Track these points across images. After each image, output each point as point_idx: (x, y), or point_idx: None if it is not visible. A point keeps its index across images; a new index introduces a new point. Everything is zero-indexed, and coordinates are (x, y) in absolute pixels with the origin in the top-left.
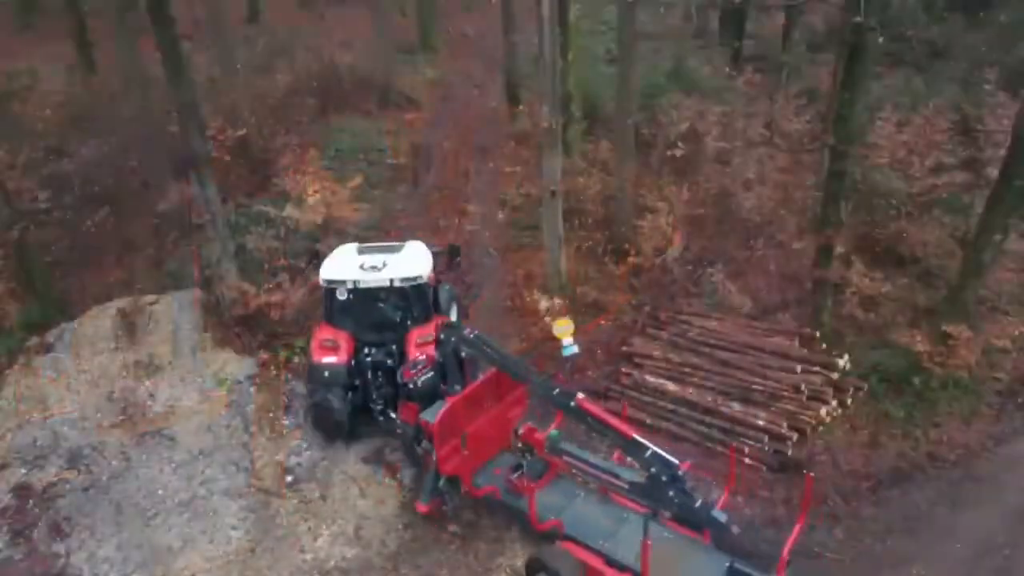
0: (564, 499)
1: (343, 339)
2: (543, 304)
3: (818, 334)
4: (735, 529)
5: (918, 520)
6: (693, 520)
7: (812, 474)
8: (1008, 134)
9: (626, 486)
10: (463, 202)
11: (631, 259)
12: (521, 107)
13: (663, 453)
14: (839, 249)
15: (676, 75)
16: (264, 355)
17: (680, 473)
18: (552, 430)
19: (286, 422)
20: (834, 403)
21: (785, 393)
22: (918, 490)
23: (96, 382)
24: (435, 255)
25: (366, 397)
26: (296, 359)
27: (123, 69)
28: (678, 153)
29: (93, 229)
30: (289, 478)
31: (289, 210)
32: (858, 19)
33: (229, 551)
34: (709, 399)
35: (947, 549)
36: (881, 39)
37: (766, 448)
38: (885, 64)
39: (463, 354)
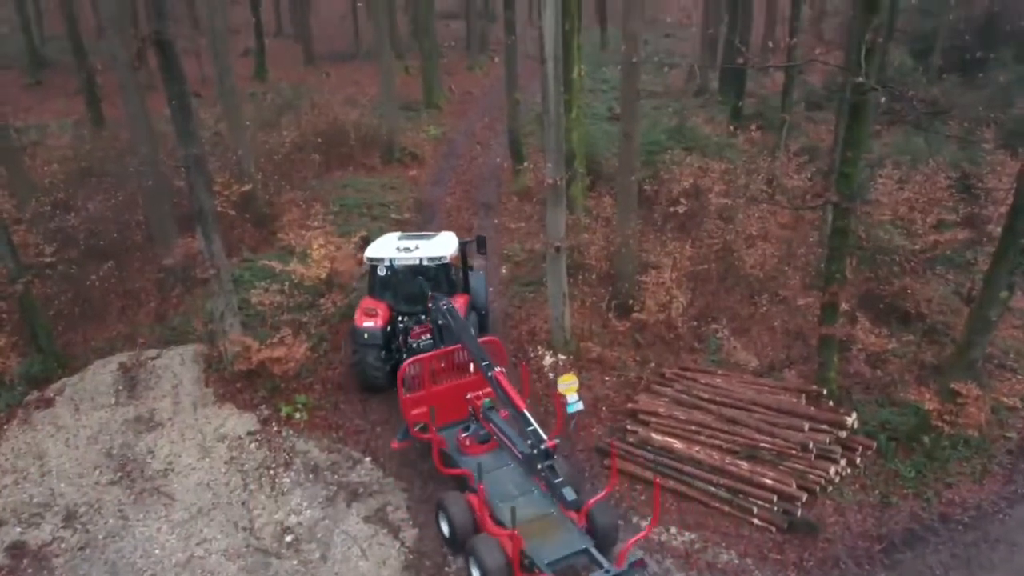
0: (495, 463)
1: (381, 308)
2: (547, 360)
3: (825, 391)
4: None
5: None
6: (555, 493)
7: (658, 479)
8: (1008, 192)
9: (519, 455)
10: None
11: (635, 315)
12: (525, 164)
13: (539, 431)
14: (844, 306)
15: (678, 132)
16: (265, 411)
17: (545, 448)
18: (486, 399)
19: (286, 480)
20: (843, 462)
21: (793, 451)
22: (932, 553)
23: (95, 438)
24: (465, 244)
25: (399, 357)
26: (298, 415)
27: (132, 124)
28: (680, 209)
29: (97, 283)
30: (289, 538)
31: (293, 265)
32: (859, 79)
33: None
34: (716, 457)
35: None
36: (883, 99)
37: (775, 509)
38: (884, 122)
39: (439, 321)
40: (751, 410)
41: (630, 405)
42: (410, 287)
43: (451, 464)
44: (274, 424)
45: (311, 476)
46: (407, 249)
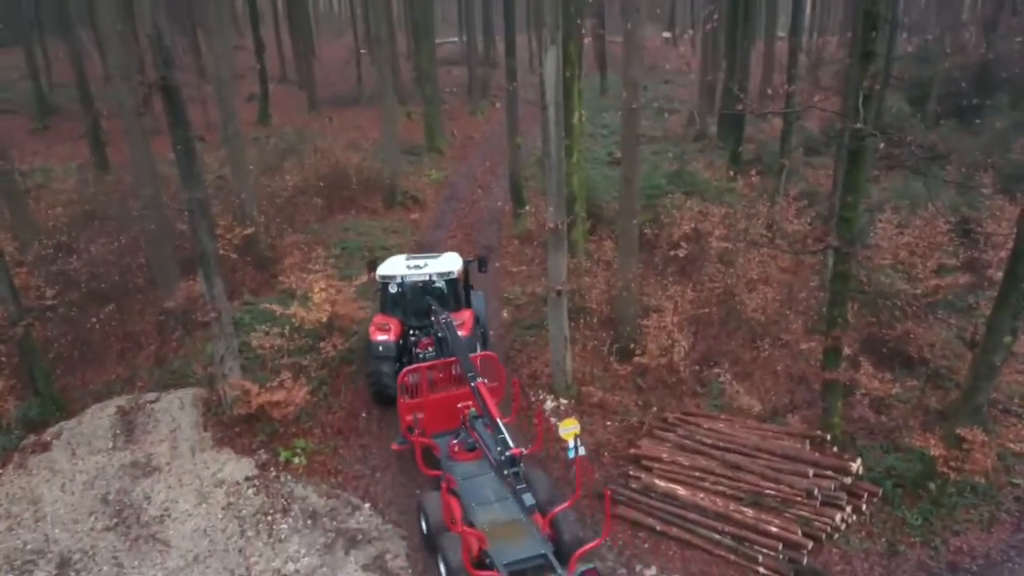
0: (479, 471)
1: (393, 323)
2: (548, 404)
3: (829, 437)
4: None
5: None
6: (516, 498)
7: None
8: (1008, 236)
9: (493, 462)
10: None
11: (637, 358)
12: (527, 208)
13: (510, 441)
14: (846, 350)
15: (678, 177)
16: (264, 455)
17: (510, 455)
18: (472, 409)
19: (284, 526)
20: (849, 509)
21: (798, 498)
22: None
23: (91, 483)
24: (467, 263)
25: None
26: (297, 460)
27: (136, 168)
28: (681, 253)
29: (97, 325)
30: None
31: (294, 308)
32: (858, 125)
33: None
34: (720, 504)
35: None
36: (882, 145)
37: (781, 557)
38: (883, 167)
39: (439, 334)
40: (755, 456)
41: (633, 450)
42: (419, 303)
43: (433, 466)
44: (272, 469)
45: (309, 522)
46: (416, 267)
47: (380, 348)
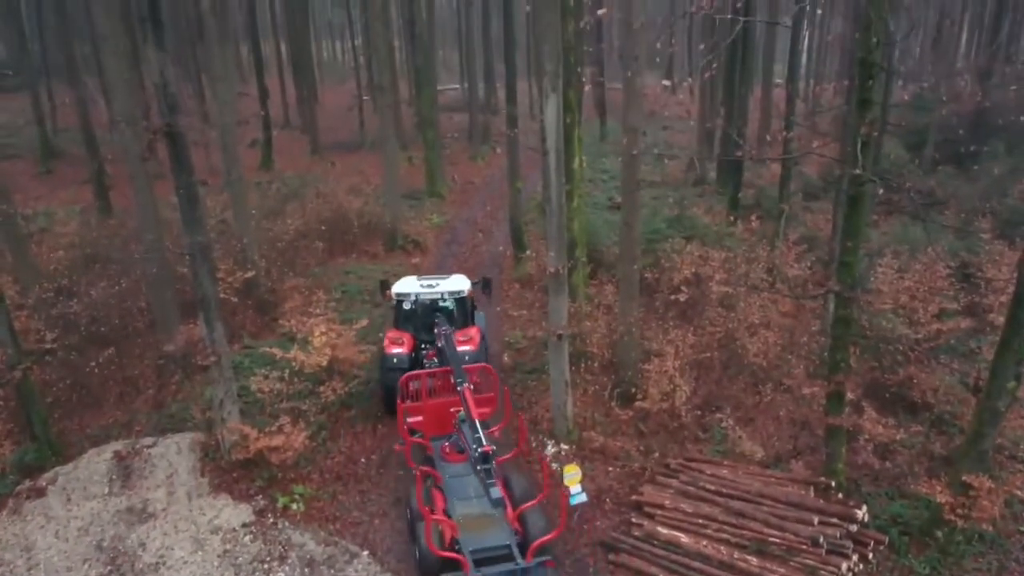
0: (464, 471)
1: (406, 338)
2: (549, 449)
3: (833, 484)
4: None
5: None
6: (485, 491)
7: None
8: (1008, 281)
9: (470, 459)
10: None
11: (638, 403)
12: (528, 252)
13: (483, 439)
14: (849, 395)
15: (678, 222)
16: (262, 501)
17: (482, 452)
18: (461, 413)
19: (281, 574)
20: (855, 558)
21: (803, 546)
22: None
23: (86, 529)
24: (473, 284)
25: None
26: (295, 506)
27: (140, 212)
28: (682, 297)
29: (96, 369)
30: None
31: (294, 352)
32: (857, 171)
33: None
34: (724, 552)
35: None
36: (881, 190)
37: None
38: (881, 213)
39: (439, 344)
40: (759, 503)
41: (635, 497)
42: (430, 319)
43: (420, 463)
44: (270, 515)
45: (307, 570)
46: (430, 286)
47: (394, 360)
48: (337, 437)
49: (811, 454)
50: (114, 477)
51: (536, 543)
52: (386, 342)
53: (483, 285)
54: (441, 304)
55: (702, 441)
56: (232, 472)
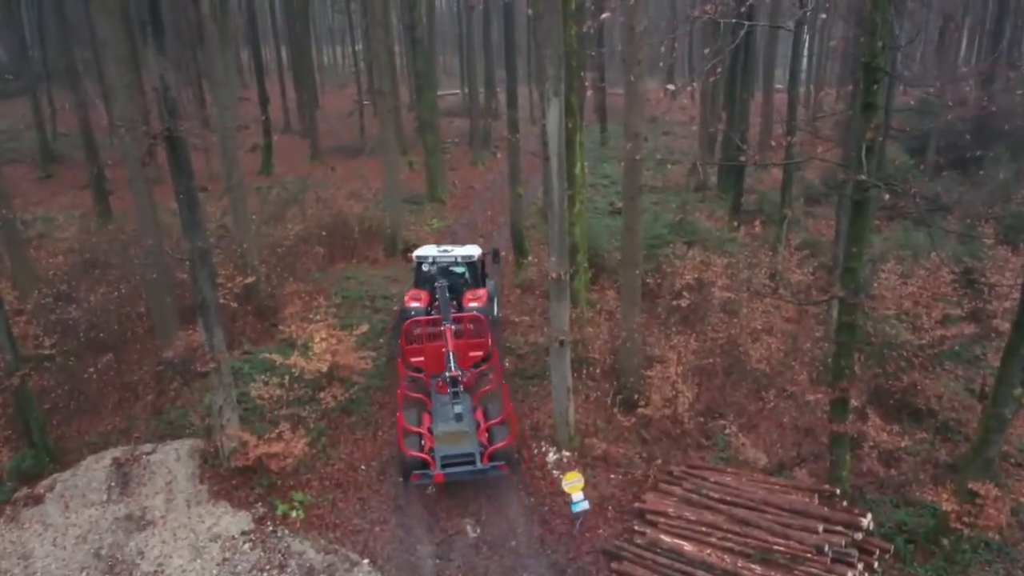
0: (452, 399)
1: (424, 295)
2: (551, 456)
3: (838, 491)
4: None
5: None
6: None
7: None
8: (1012, 287)
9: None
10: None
11: (640, 410)
12: (530, 258)
13: (453, 366)
14: (853, 402)
15: (679, 227)
16: (261, 509)
17: (450, 376)
18: (449, 352)
19: None
20: (860, 566)
21: (808, 555)
22: None
23: (84, 537)
24: (483, 254)
25: None
26: (294, 514)
27: (140, 216)
28: (684, 302)
29: (95, 375)
30: None
31: (294, 358)
32: (861, 177)
33: None
34: (728, 561)
35: None
36: (886, 196)
37: None
38: (883, 218)
39: (436, 296)
40: (763, 510)
41: (637, 505)
42: (447, 280)
43: (420, 392)
44: (269, 523)
45: None
46: (446, 251)
47: (412, 312)
48: (337, 443)
49: (815, 461)
50: (112, 484)
51: (490, 450)
52: (407, 298)
53: (493, 255)
54: (455, 267)
55: (705, 448)
56: (231, 479)
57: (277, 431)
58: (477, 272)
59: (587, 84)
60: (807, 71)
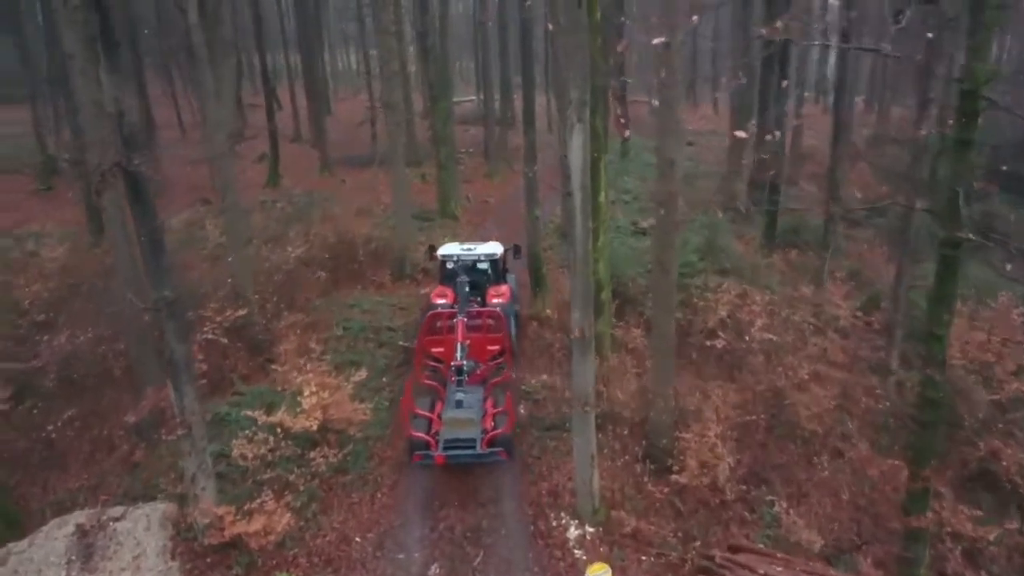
0: (462, 389)
1: (448, 292)
2: (572, 532)
3: None
4: None
5: None
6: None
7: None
8: None
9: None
10: None
11: (674, 476)
12: (547, 288)
13: (459, 357)
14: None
15: (709, 251)
16: None
17: (456, 365)
18: (461, 343)
19: None
20: None
21: None
22: None
23: None
24: (505, 250)
25: None
26: None
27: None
28: (719, 343)
29: (66, 423)
30: None
31: (280, 415)
32: (960, 235)
33: None
34: None
35: None
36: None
37: None
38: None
39: (457, 292)
40: None
41: None
42: (471, 276)
43: (429, 379)
44: None
45: None
46: (469, 249)
47: (438, 308)
48: (329, 509)
49: (879, 544)
50: (73, 558)
51: (489, 436)
52: (433, 295)
53: (514, 251)
54: (478, 265)
55: (749, 524)
56: (206, 556)
57: (259, 501)
58: (499, 268)
59: (609, 94)
60: (836, 80)
